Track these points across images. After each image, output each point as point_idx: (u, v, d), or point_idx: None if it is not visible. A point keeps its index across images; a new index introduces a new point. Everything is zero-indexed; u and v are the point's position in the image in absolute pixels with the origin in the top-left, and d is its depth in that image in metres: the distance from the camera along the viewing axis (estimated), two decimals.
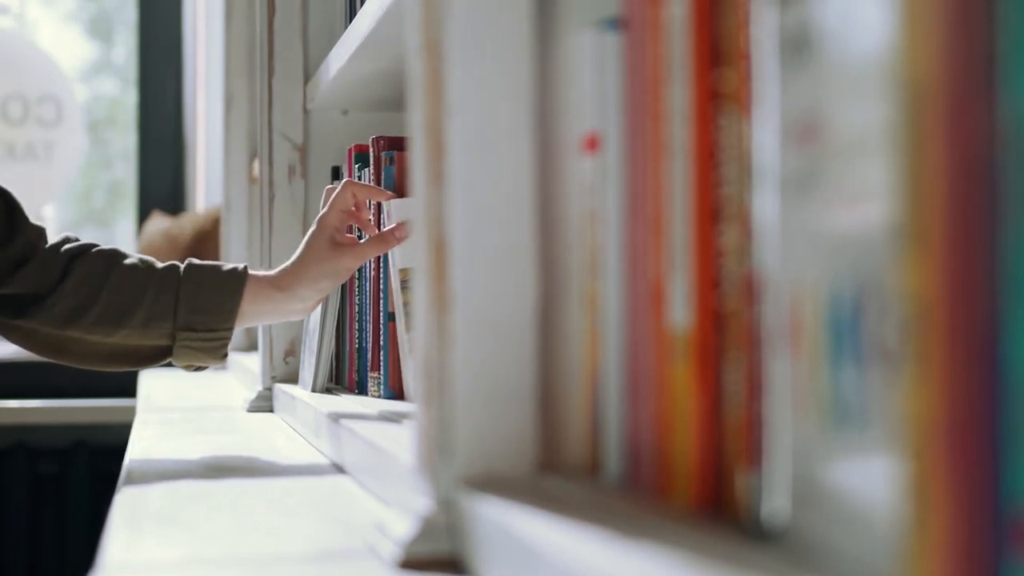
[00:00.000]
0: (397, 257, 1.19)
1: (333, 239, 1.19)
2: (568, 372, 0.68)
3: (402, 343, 1.19)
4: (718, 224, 0.55)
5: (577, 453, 0.67)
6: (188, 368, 1.20)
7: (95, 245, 1.18)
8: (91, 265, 1.15)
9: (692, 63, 0.56)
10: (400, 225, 1.19)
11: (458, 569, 0.63)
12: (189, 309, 1.14)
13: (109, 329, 1.14)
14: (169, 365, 1.20)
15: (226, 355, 1.18)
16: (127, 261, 1.17)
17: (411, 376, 1.17)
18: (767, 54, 0.50)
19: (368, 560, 0.66)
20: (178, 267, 1.17)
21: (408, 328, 1.17)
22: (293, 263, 1.18)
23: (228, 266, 1.18)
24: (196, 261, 1.17)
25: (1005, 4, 0.36)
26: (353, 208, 1.21)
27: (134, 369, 1.19)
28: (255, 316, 1.18)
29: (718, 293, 0.55)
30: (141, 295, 1.14)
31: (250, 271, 1.18)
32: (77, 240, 1.18)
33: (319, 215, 1.20)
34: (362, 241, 1.22)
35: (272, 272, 1.19)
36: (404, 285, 1.18)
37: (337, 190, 1.21)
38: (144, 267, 1.16)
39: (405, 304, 1.18)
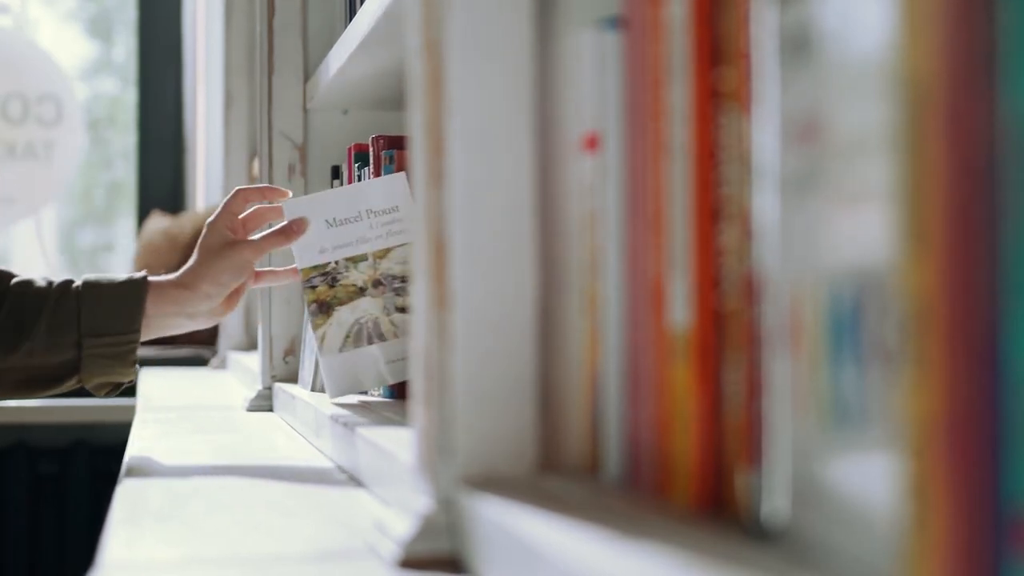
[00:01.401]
0: (297, 258, 1.18)
1: (226, 237, 1.17)
2: (568, 372, 0.68)
3: (315, 342, 1.19)
4: (718, 224, 0.55)
5: (577, 453, 0.67)
6: (99, 391, 1.17)
7: None
8: None
9: (692, 63, 0.56)
10: (299, 220, 1.17)
11: (458, 568, 0.63)
12: (92, 314, 1.12)
13: (12, 343, 1.12)
14: (83, 393, 1.19)
15: (136, 363, 1.16)
16: (21, 278, 1.15)
17: (324, 375, 1.17)
18: (767, 54, 0.50)
19: (368, 560, 0.66)
20: (73, 280, 1.15)
21: (315, 327, 1.17)
22: (192, 263, 1.17)
23: (126, 275, 1.16)
24: (91, 276, 1.16)
25: (1005, 4, 0.36)
26: (244, 214, 1.20)
27: (42, 395, 1.16)
28: (162, 319, 1.16)
29: (718, 293, 0.55)
30: (40, 307, 1.13)
31: (150, 278, 1.16)
32: None
33: (208, 220, 1.19)
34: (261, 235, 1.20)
35: (172, 275, 1.18)
36: (307, 284, 1.17)
37: (229, 195, 1.20)
38: (40, 282, 1.15)
39: (310, 304, 1.17)
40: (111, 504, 0.87)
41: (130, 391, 2.15)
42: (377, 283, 1.15)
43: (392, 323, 1.15)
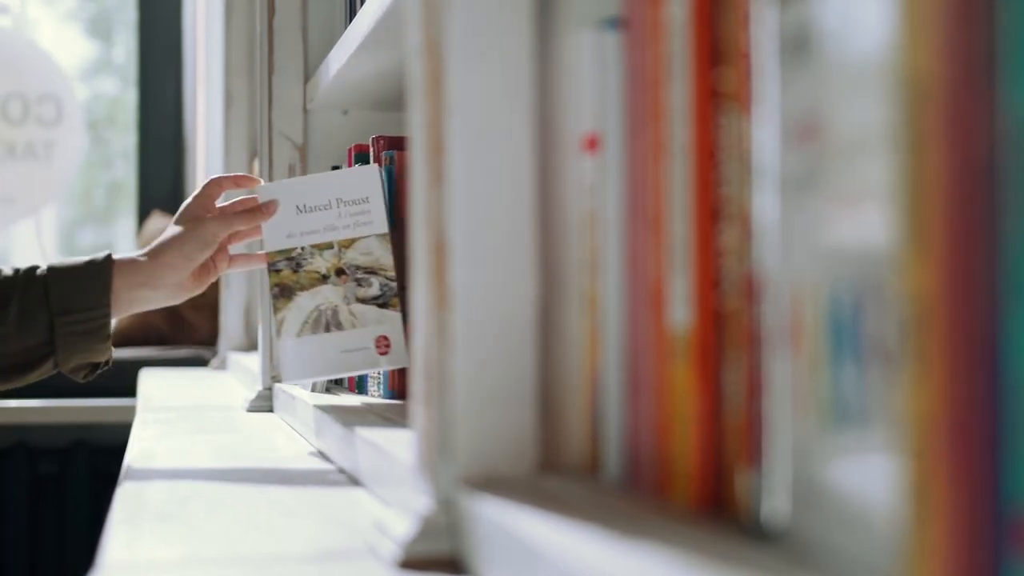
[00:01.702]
0: (266, 241, 1.20)
1: (196, 215, 1.20)
2: (568, 372, 0.68)
3: (271, 325, 1.20)
4: (718, 224, 0.55)
5: (577, 453, 0.67)
6: (77, 375, 1.19)
7: None
8: None
9: (692, 63, 0.56)
10: (270, 202, 1.19)
11: (458, 569, 0.63)
12: (61, 294, 1.15)
13: None
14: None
15: (110, 338, 1.18)
16: None
17: (280, 358, 1.17)
18: (767, 54, 0.50)
19: (368, 560, 0.66)
20: (38, 266, 1.18)
21: (275, 311, 1.17)
22: (160, 238, 1.20)
23: (88, 256, 1.19)
24: (55, 260, 1.19)
25: (1005, 4, 0.36)
26: (218, 203, 1.23)
27: (21, 382, 1.18)
28: (129, 293, 1.18)
29: (718, 293, 0.55)
30: (8, 293, 1.15)
31: (114, 255, 1.19)
32: None
33: (183, 206, 1.22)
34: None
35: (138, 251, 1.21)
36: (272, 267, 1.18)
37: (203, 184, 1.24)
38: (6, 270, 1.17)
39: (273, 287, 1.18)
40: (111, 504, 0.87)
41: (130, 392, 2.15)
42: (340, 272, 1.16)
43: (352, 313, 1.15)
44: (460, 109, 0.66)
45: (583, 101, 0.66)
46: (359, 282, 1.16)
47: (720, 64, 0.55)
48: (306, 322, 1.16)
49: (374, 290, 1.15)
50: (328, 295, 1.16)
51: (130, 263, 1.18)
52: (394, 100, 1.51)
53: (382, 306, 1.15)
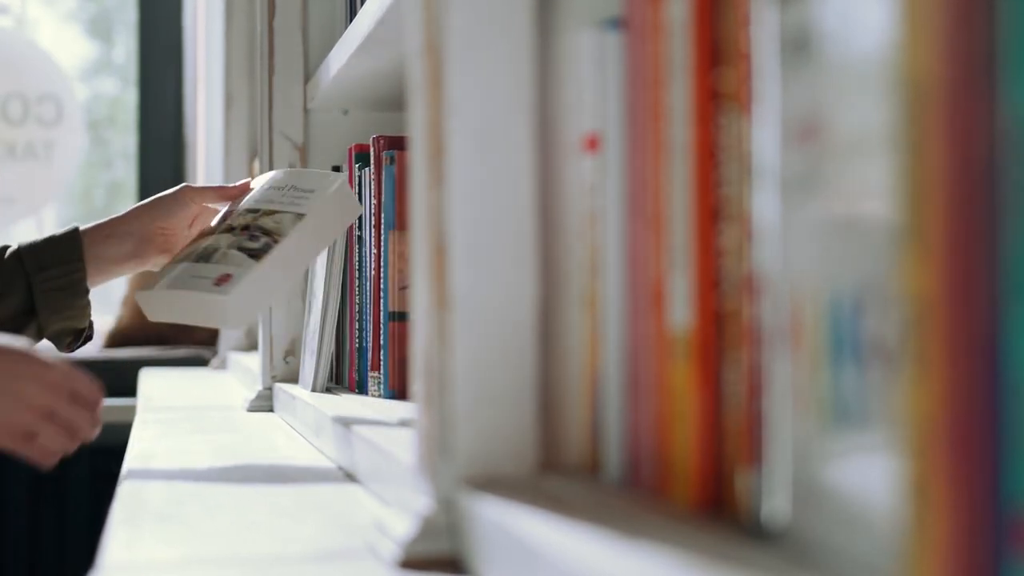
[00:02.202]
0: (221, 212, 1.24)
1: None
2: (568, 372, 0.68)
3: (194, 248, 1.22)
4: (718, 224, 0.55)
5: (577, 453, 0.67)
6: (61, 342, 1.21)
7: None
8: None
9: (692, 63, 0.56)
10: (244, 183, 1.24)
11: (458, 569, 0.63)
12: (35, 258, 1.18)
13: None
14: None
15: (88, 293, 1.20)
16: None
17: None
18: (767, 54, 0.50)
19: (368, 560, 0.66)
20: (8, 245, 1.21)
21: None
22: None
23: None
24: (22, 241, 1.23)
25: (1005, 4, 0.37)
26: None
27: None
28: (97, 247, 1.20)
29: (718, 293, 0.55)
30: None
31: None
32: None
33: None
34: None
35: None
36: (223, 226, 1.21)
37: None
38: None
39: (207, 235, 1.21)
40: (111, 504, 0.87)
41: (130, 392, 2.15)
42: (245, 227, 1.18)
43: (224, 255, 1.16)
44: (460, 109, 0.66)
45: (583, 101, 0.66)
46: (251, 237, 1.18)
47: (720, 64, 0.55)
48: (190, 253, 1.18)
49: (256, 244, 1.17)
50: (220, 240, 1.18)
51: (96, 224, 1.22)
52: (394, 100, 1.51)
53: (252, 256, 1.16)
